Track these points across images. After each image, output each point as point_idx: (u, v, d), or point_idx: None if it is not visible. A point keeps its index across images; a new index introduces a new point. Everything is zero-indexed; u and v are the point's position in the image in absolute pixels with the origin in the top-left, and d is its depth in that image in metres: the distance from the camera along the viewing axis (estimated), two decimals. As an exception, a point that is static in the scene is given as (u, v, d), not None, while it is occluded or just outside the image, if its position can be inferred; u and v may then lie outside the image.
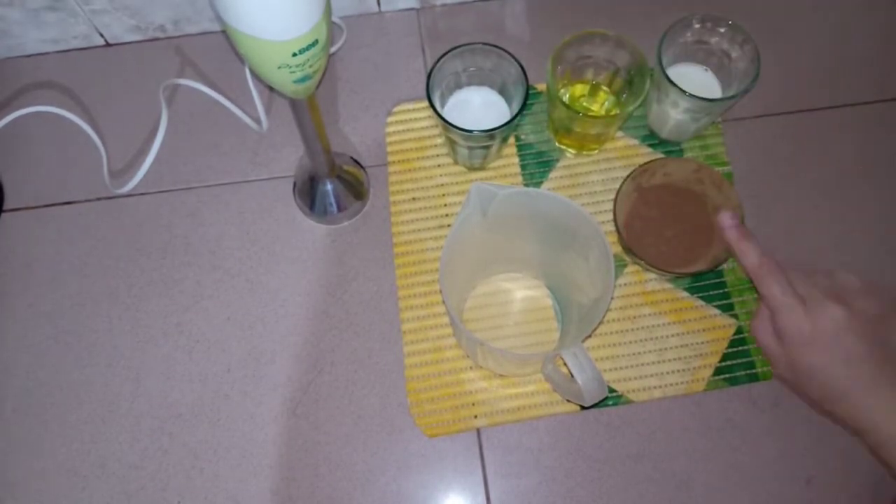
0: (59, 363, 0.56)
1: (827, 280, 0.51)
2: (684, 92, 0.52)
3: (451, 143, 0.57)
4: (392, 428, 0.54)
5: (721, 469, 0.53)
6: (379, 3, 0.66)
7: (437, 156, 0.61)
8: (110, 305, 0.58)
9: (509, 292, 0.57)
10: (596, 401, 0.44)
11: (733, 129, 0.62)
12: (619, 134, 0.61)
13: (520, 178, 0.60)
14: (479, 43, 0.54)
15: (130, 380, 0.56)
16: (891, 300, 0.50)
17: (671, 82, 0.53)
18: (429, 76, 0.53)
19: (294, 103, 0.48)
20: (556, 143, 0.61)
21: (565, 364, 0.44)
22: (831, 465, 0.53)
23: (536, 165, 0.61)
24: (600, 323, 0.49)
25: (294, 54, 0.39)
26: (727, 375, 0.55)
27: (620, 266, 0.58)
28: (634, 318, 0.56)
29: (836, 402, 0.49)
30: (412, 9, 0.67)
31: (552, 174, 0.60)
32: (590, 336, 0.53)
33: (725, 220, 0.51)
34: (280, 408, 0.55)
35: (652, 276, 0.57)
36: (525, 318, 0.56)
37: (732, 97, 0.53)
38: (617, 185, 0.55)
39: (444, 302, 0.52)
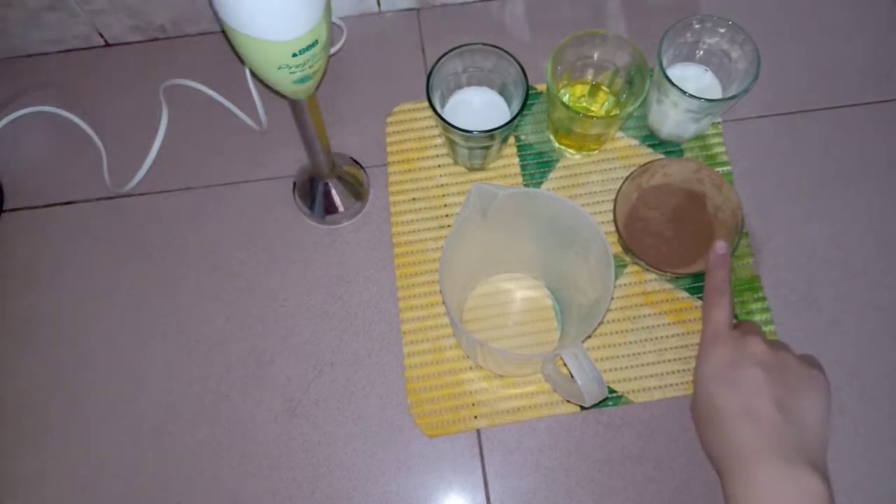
0: (59, 363, 0.56)
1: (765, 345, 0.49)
2: (684, 92, 0.52)
3: (451, 144, 0.57)
4: (392, 428, 0.54)
5: (721, 469, 0.53)
6: (379, 3, 0.66)
7: (437, 156, 0.61)
8: (110, 305, 0.58)
9: (509, 292, 0.57)
10: (596, 401, 0.44)
11: (733, 129, 0.62)
12: (619, 134, 0.61)
13: (520, 179, 0.60)
14: (479, 43, 0.54)
15: (130, 380, 0.56)
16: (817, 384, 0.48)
17: (671, 82, 0.53)
18: (429, 76, 0.53)
19: (294, 104, 0.48)
20: (556, 144, 0.61)
21: (565, 365, 0.44)
22: (831, 465, 0.53)
23: (536, 166, 0.61)
24: (600, 323, 0.50)
25: (294, 55, 0.39)
26: (727, 376, 0.55)
27: (620, 266, 0.58)
28: (634, 318, 0.56)
29: (716, 438, 0.47)
30: (412, 9, 0.67)
31: (552, 174, 0.60)
32: (590, 336, 0.53)
33: (719, 247, 0.52)
34: (280, 408, 0.55)
35: (652, 276, 0.57)
36: (525, 318, 0.56)
37: (732, 97, 0.53)
38: (617, 186, 0.55)
39: (444, 302, 0.52)
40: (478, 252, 0.52)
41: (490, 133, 0.52)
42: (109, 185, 0.60)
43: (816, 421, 0.46)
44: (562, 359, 0.44)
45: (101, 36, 0.65)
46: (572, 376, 0.43)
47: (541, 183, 0.60)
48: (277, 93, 0.60)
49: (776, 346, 0.48)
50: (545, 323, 0.56)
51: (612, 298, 0.45)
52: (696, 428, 0.50)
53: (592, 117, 0.55)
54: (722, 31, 0.55)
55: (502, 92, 0.57)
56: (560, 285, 0.55)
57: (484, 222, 0.48)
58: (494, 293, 0.57)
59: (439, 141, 0.62)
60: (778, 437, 0.44)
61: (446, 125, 0.52)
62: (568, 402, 0.54)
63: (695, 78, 0.58)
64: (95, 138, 0.60)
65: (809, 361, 0.49)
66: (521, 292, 0.57)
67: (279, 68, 0.40)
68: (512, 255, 0.55)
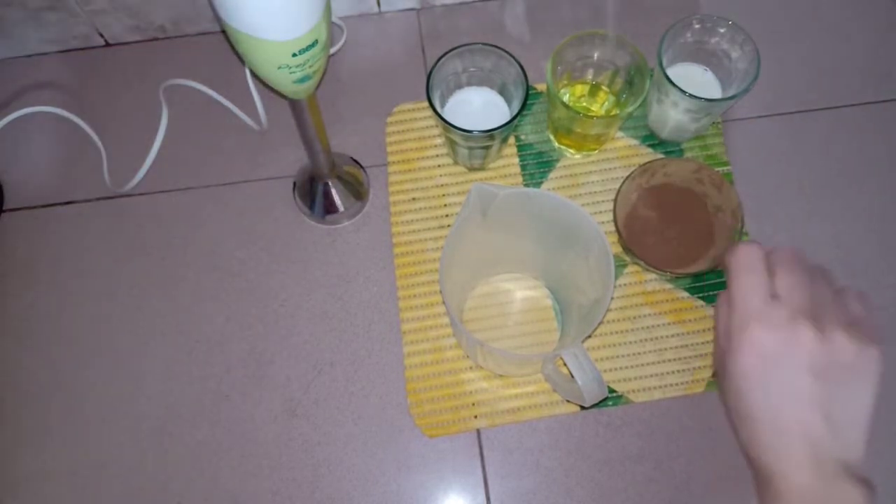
0: (59, 363, 0.56)
1: (829, 296, 0.41)
2: (684, 92, 0.52)
3: (451, 144, 0.57)
4: (392, 428, 0.54)
5: (721, 469, 0.53)
6: (379, 4, 0.66)
7: (437, 156, 0.61)
8: (110, 305, 0.58)
9: (509, 293, 0.57)
10: (596, 401, 0.44)
11: (733, 129, 0.62)
12: (619, 134, 0.61)
13: (520, 179, 0.60)
14: (479, 43, 0.54)
15: (130, 380, 0.56)
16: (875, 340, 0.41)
17: (671, 82, 0.53)
18: (429, 76, 0.53)
19: (294, 103, 0.48)
20: (556, 144, 0.61)
21: (565, 364, 0.44)
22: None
23: (536, 166, 0.61)
24: (600, 323, 0.49)
25: (294, 55, 0.39)
26: (727, 375, 0.55)
27: (620, 266, 0.58)
28: (634, 318, 0.56)
29: (753, 424, 0.40)
30: (412, 9, 0.67)
31: (552, 174, 0.60)
32: (590, 336, 0.53)
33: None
34: (280, 408, 0.55)
35: (652, 276, 0.57)
36: (525, 318, 0.56)
37: (732, 97, 0.53)
38: (617, 186, 0.55)
39: (444, 303, 0.52)
40: (478, 252, 0.52)
41: (490, 133, 0.52)
42: (109, 185, 0.60)
43: (862, 414, 0.40)
44: (562, 359, 0.44)
45: (101, 36, 0.65)
46: (572, 376, 0.43)
47: (541, 183, 0.60)
48: (277, 93, 0.60)
49: (828, 321, 0.39)
50: (545, 323, 0.56)
51: (612, 298, 0.45)
52: (726, 414, 0.43)
53: (592, 117, 0.55)
54: (722, 31, 0.55)
55: (502, 92, 0.57)
56: (560, 285, 0.55)
57: (484, 222, 0.48)
58: (494, 293, 0.57)
59: (439, 141, 0.62)
60: (819, 452, 0.39)
61: (446, 125, 0.52)
62: (568, 402, 0.54)
63: (695, 78, 0.58)
64: (95, 138, 0.60)
65: (865, 334, 0.40)
66: (521, 292, 0.57)
67: (279, 68, 0.40)
68: (512, 254, 0.55)
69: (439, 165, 0.61)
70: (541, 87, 0.63)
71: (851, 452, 0.40)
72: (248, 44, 0.39)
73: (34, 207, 0.61)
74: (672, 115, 0.56)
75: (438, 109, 0.54)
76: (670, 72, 0.55)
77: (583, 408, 0.54)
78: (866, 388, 0.40)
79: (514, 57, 0.53)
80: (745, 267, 0.41)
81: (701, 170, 0.54)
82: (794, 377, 0.39)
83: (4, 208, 0.61)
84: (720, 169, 0.60)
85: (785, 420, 0.39)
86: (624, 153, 0.61)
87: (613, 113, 0.58)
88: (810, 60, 0.65)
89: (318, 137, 0.53)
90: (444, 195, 0.60)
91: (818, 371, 0.39)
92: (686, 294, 0.57)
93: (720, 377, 0.42)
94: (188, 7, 0.63)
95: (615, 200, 0.54)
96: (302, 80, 0.42)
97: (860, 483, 0.39)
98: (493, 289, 0.57)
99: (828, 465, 0.39)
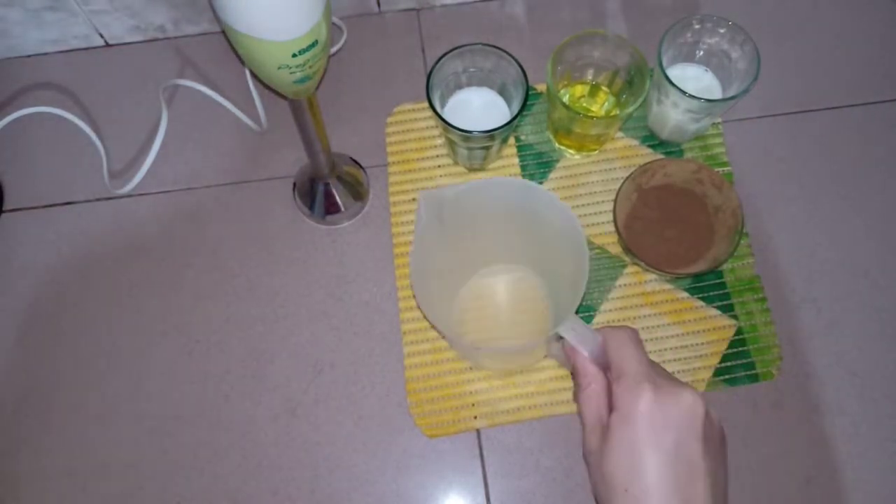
0: (60, 363, 0.56)
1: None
2: (684, 93, 0.52)
3: (451, 144, 0.57)
4: (392, 428, 0.54)
5: (721, 469, 0.53)
6: (379, 4, 0.66)
7: (437, 156, 0.61)
8: (110, 305, 0.58)
9: (495, 287, 0.57)
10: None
11: (733, 129, 0.62)
12: (619, 134, 0.61)
13: (519, 179, 0.60)
14: (479, 43, 0.54)
15: (130, 380, 0.56)
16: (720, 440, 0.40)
17: (671, 83, 0.53)
18: (429, 76, 0.53)
19: (294, 104, 0.48)
20: (556, 144, 0.61)
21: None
22: (831, 465, 0.53)
23: (536, 166, 0.61)
24: (587, 293, 0.48)
25: (294, 55, 0.39)
26: (727, 376, 0.55)
27: (620, 266, 0.58)
28: (634, 318, 0.56)
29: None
30: (412, 9, 0.67)
31: (552, 175, 0.60)
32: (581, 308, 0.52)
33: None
34: (280, 408, 0.55)
35: (652, 276, 0.57)
36: (516, 307, 0.56)
37: (732, 98, 0.53)
38: (617, 186, 0.55)
39: (432, 325, 0.52)
40: (452, 256, 0.51)
41: (490, 133, 0.52)
42: (109, 185, 0.60)
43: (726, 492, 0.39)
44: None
45: (101, 36, 0.65)
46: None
47: (541, 183, 0.60)
48: (277, 93, 0.60)
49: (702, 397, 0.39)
50: (535, 303, 0.56)
51: (589, 261, 0.44)
52: (599, 492, 0.39)
53: (592, 117, 0.55)
54: (722, 31, 0.55)
55: (502, 92, 0.57)
56: (542, 266, 0.55)
57: (444, 228, 0.47)
58: (480, 292, 0.57)
59: (439, 141, 0.62)
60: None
61: (446, 125, 0.52)
62: (568, 402, 0.54)
63: (695, 78, 0.58)
64: (95, 138, 0.60)
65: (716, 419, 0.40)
66: (506, 283, 0.57)
67: (279, 68, 0.40)
68: (487, 248, 0.55)
69: (439, 166, 0.61)
70: (541, 87, 0.63)
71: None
72: (248, 44, 0.39)
73: (34, 207, 0.61)
74: (672, 116, 0.56)
75: (438, 110, 0.54)
76: (670, 72, 0.55)
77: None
78: (724, 452, 0.40)
79: (514, 57, 0.53)
80: (624, 342, 0.41)
81: (701, 170, 0.54)
82: (688, 441, 0.37)
83: (4, 208, 0.61)
84: (720, 169, 0.60)
85: (676, 489, 0.36)
86: (624, 153, 0.61)
87: (613, 113, 0.58)
88: (810, 60, 0.65)
89: (318, 137, 0.53)
90: (444, 195, 0.60)
91: (707, 442, 0.37)
92: (686, 294, 0.57)
93: (600, 470, 0.38)
94: (188, 7, 0.63)
95: (615, 200, 0.54)
96: (302, 81, 0.42)
97: None
98: (478, 288, 0.57)
99: None
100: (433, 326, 0.55)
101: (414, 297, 0.45)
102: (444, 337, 0.53)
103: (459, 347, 0.52)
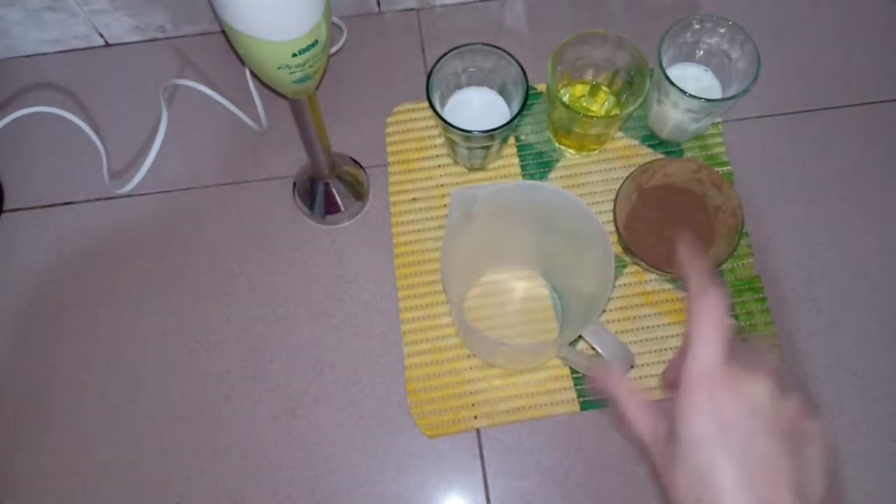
0: (59, 363, 0.56)
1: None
2: (684, 92, 0.52)
3: (451, 144, 0.57)
4: (392, 428, 0.54)
5: (721, 469, 0.53)
6: (379, 4, 0.66)
7: (437, 156, 0.61)
8: (110, 305, 0.58)
9: (506, 286, 0.57)
10: (627, 370, 0.45)
11: (733, 129, 0.62)
12: (619, 134, 0.61)
13: (520, 179, 0.60)
14: (479, 43, 0.54)
15: (130, 380, 0.56)
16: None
17: (671, 83, 0.53)
18: (429, 76, 0.53)
19: (294, 103, 0.48)
20: (556, 144, 0.61)
21: (592, 347, 0.44)
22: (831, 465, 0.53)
23: (536, 166, 0.61)
24: (608, 300, 0.49)
25: (294, 55, 0.39)
26: (727, 376, 0.55)
27: (620, 266, 0.58)
28: (634, 318, 0.56)
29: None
30: (412, 9, 0.67)
31: (552, 174, 0.60)
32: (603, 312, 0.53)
33: (686, 240, 0.39)
34: (280, 408, 0.55)
35: (652, 276, 0.57)
36: (523, 308, 0.57)
37: (732, 97, 0.53)
38: (617, 186, 0.55)
39: (455, 316, 0.52)
40: (470, 253, 0.52)
41: (490, 133, 0.52)
42: (109, 185, 0.60)
43: (823, 492, 0.35)
44: (584, 339, 0.45)
45: (101, 36, 0.65)
46: (594, 351, 0.44)
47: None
48: (277, 93, 0.60)
49: (781, 388, 0.35)
50: (543, 312, 0.56)
51: (613, 288, 0.45)
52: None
53: (592, 117, 0.55)
54: (722, 31, 0.55)
55: (502, 92, 0.57)
56: (555, 272, 0.55)
57: (471, 225, 0.47)
58: (491, 289, 0.57)
59: (439, 141, 0.62)
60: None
61: (446, 125, 0.52)
62: (568, 402, 0.54)
63: (695, 78, 0.58)
64: (95, 138, 0.60)
65: (810, 408, 0.36)
66: (517, 284, 0.57)
67: (279, 68, 0.40)
68: (504, 249, 0.55)
69: (439, 165, 0.61)
70: (541, 87, 0.63)
71: None
72: (248, 44, 0.39)
73: (34, 207, 0.61)
74: (672, 116, 0.56)
75: (438, 109, 0.54)
76: (670, 72, 0.55)
77: (583, 408, 0.54)
78: (825, 464, 0.35)
79: (514, 57, 0.53)
80: (711, 313, 0.36)
81: (701, 170, 0.54)
82: (758, 440, 0.33)
83: (4, 208, 0.61)
84: (720, 169, 0.60)
85: (759, 496, 0.32)
86: (624, 153, 0.61)
87: (613, 113, 0.58)
88: (810, 60, 0.65)
89: (318, 137, 0.53)
90: (444, 195, 0.60)
91: (780, 433, 0.33)
92: (686, 294, 0.57)
93: (673, 480, 0.34)
94: (188, 7, 0.63)
95: (615, 200, 0.54)
96: (302, 80, 0.42)
97: None
98: (489, 285, 0.57)
99: None
100: (456, 320, 0.55)
101: (444, 291, 0.45)
102: (461, 328, 0.53)
103: (478, 341, 0.52)
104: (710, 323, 0.35)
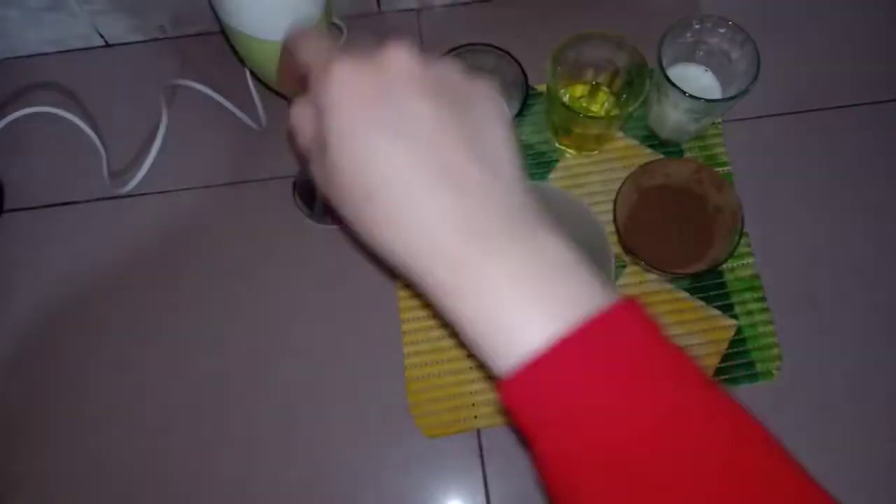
0: (60, 363, 0.56)
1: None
2: (684, 93, 0.52)
3: (451, 144, 0.57)
4: (392, 428, 0.54)
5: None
6: (379, 4, 0.66)
7: (437, 156, 0.61)
8: (110, 306, 0.58)
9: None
10: None
11: (733, 129, 0.62)
12: (619, 134, 0.61)
13: (520, 179, 0.60)
14: (479, 43, 0.54)
15: (130, 380, 0.56)
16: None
17: (671, 83, 0.53)
18: (429, 76, 0.53)
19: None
20: (556, 144, 0.61)
21: None
22: (831, 465, 0.53)
23: (536, 166, 0.61)
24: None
25: (294, 55, 0.39)
26: (727, 376, 0.55)
27: (620, 266, 0.58)
28: (634, 318, 0.56)
29: (400, 230, 0.29)
30: (412, 9, 0.66)
31: (552, 175, 0.60)
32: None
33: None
34: (280, 408, 0.55)
35: (652, 276, 0.57)
36: None
37: (732, 98, 0.53)
38: (617, 186, 0.55)
39: None
40: None
41: (490, 133, 0.52)
42: (109, 185, 0.60)
43: (510, 153, 0.31)
44: None
45: (101, 36, 0.65)
46: None
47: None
48: (277, 93, 0.60)
49: (424, 56, 0.30)
50: None
51: (614, 281, 0.45)
52: (354, 220, 0.30)
53: (592, 117, 0.55)
54: (722, 31, 0.55)
55: (502, 92, 0.57)
56: None
57: None
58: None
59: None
60: (494, 205, 0.29)
61: (446, 125, 0.52)
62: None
63: (695, 78, 0.58)
64: (95, 138, 0.60)
65: (466, 70, 0.32)
66: None
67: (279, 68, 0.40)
68: None
69: (439, 165, 0.61)
70: (541, 87, 0.63)
71: (522, 197, 0.30)
72: (248, 44, 0.39)
73: (34, 207, 0.61)
74: (672, 116, 0.56)
75: (438, 109, 0.54)
76: (670, 72, 0.55)
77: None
78: (497, 119, 0.31)
79: (514, 57, 0.53)
80: (307, 36, 0.32)
81: (701, 170, 0.54)
82: (410, 104, 0.28)
83: (4, 208, 0.61)
84: (720, 169, 0.60)
85: (431, 165, 0.28)
86: (624, 153, 0.61)
87: (613, 113, 0.58)
88: (810, 60, 0.65)
89: (318, 137, 0.53)
90: (444, 195, 0.60)
91: (434, 92, 0.29)
92: (686, 294, 0.57)
93: (337, 191, 0.30)
94: (188, 7, 0.63)
95: (615, 200, 0.54)
96: (302, 81, 0.42)
97: (550, 230, 0.30)
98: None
99: (511, 216, 0.29)
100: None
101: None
102: None
103: None
104: (308, 39, 0.32)
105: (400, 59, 0.29)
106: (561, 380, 0.27)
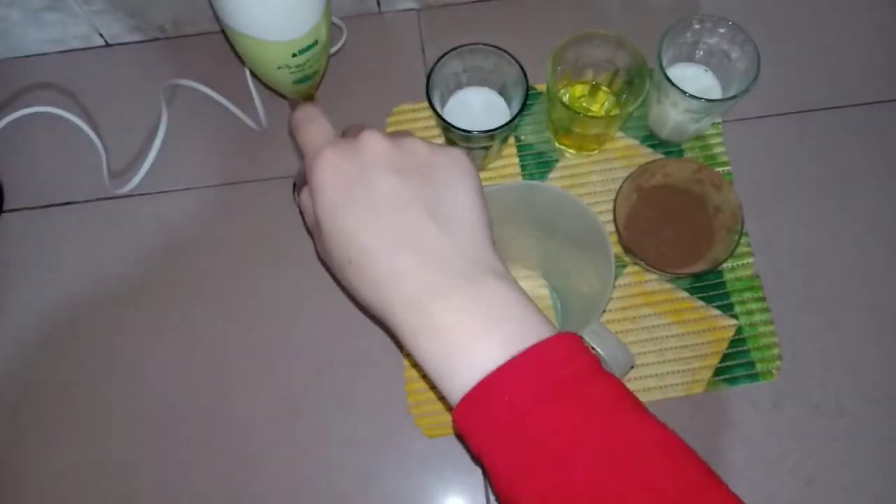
0: (59, 363, 0.56)
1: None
2: (684, 93, 0.52)
3: (451, 144, 0.57)
4: (392, 428, 0.54)
5: (721, 469, 0.53)
6: (379, 4, 0.66)
7: (437, 156, 0.61)
8: (110, 305, 0.58)
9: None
10: (626, 372, 0.45)
11: (733, 129, 0.62)
12: (619, 134, 0.61)
13: (519, 179, 0.60)
14: (479, 43, 0.54)
15: (130, 380, 0.56)
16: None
17: (671, 83, 0.53)
18: (429, 76, 0.53)
19: (294, 104, 0.48)
20: (556, 144, 0.61)
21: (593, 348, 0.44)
22: (831, 466, 0.53)
23: (536, 166, 0.61)
24: (610, 301, 0.49)
25: (294, 55, 0.39)
26: (727, 376, 0.55)
27: (620, 266, 0.58)
28: (634, 318, 0.56)
29: (374, 287, 0.35)
30: (412, 9, 0.67)
31: (552, 174, 0.60)
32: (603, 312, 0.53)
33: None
34: (280, 408, 0.55)
35: (652, 276, 0.57)
36: None
37: (732, 98, 0.53)
38: (617, 186, 0.55)
39: None
40: None
41: (490, 133, 0.52)
42: (109, 185, 0.60)
43: (473, 214, 0.36)
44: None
45: (101, 36, 0.65)
46: (596, 352, 0.44)
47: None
48: (277, 93, 0.60)
49: (396, 134, 0.37)
50: (545, 312, 0.56)
51: (613, 288, 0.45)
52: (342, 280, 0.37)
53: (592, 117, 0.55)
54: (722, 31, 0.55)
55: (502, 92, 0.57)
56: (556, 272, 0.55)
57: None
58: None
59: (439, 141, 0.62)
60: (448, 260, 0.34)
61: (446, 125, 0.52)
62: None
63: (695, 78, 0.58)
64: (95, 138, 0.60)
65: (433, 145, 0.37)
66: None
67: (279, 68, 0.40)
68: (505, 250, 0.54)
69: (439, 165, 0.61)
70: (541, 87, 0.63)
71: (481, 253, 0.35)
72: (248, 44, 0.39)
73: (34, 207, 0.61)
74: (672, 116, 0.56)
75: (438, 110, 0.54)
76: (670, 72, 0.55)
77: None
78: (466, 185, 0.36)
79: (514, 57, 0.53)
80: (308, 118, 0.38)
81: (701, 170, 0.54)
82: (380, 181, 0.34)
83: (4, 208, 0.61)
84: (720, 169, 0.60)
85: (396, 232, 0.34)
86: (624, 153, 0.61)
87: (613, 113, 0.58)
88: (810, 60, 0.65)
89: (318, 137, 0.53)
90: (444, 195, 0.60)
91: (401, 169, 0.35)
92: (686, 294, 0.57)
93: (328, 255, 0.37)
94: (188, 7, 0.63)
95: (615, 200, 0.54)
96: (302, 80, 0.42)
97: (501, 276, 0.35)
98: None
99: (464, 270, 0.34)
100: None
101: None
102: None
103: None
104: (309, 121, 0.38)
105: (373, 142, 0.35)
106: (503, 399, 0.31)
